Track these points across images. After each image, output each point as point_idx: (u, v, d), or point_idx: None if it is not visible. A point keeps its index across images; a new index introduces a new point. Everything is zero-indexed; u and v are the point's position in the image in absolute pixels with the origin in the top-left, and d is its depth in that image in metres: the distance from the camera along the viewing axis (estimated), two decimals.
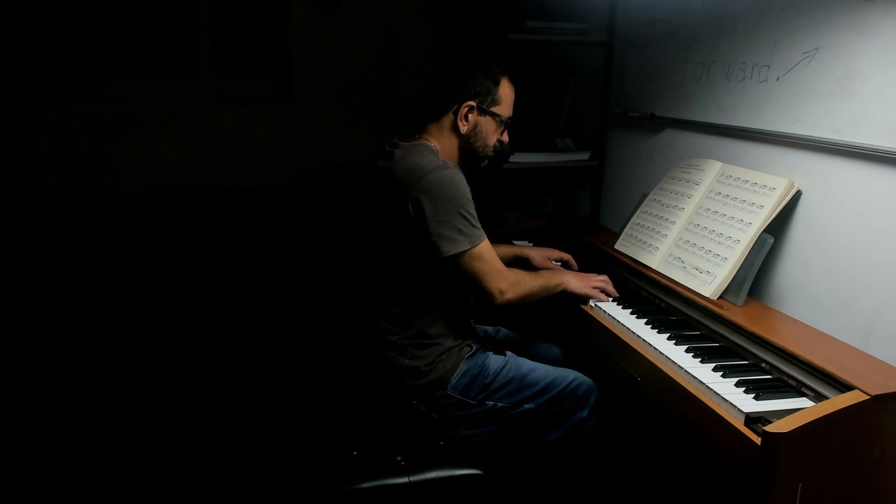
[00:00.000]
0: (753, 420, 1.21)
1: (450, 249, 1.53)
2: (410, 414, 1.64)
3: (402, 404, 1.65)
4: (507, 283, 1.60)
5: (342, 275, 2.62)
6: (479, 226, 1.57)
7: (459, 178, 1.58)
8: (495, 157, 1.78)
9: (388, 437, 1.61)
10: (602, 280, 1.82)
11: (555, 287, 1.72)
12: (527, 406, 1.66)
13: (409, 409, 1.64)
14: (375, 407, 1.69)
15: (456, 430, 1.65)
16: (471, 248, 1.54)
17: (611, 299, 1.79)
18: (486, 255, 1.58)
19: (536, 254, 2.02)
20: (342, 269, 2.63)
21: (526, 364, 1.71)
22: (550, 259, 2.03)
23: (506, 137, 1.77)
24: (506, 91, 1.71)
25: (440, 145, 1.68)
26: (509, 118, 1.74)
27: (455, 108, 1.67)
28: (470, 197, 1.58)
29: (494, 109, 1.69)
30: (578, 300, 1.80)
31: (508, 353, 1.74)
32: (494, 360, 1.68)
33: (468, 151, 1.71)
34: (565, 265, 2.04)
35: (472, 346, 1.70)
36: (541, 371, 1.69)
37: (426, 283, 1.62)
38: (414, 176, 1.55)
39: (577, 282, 1.77)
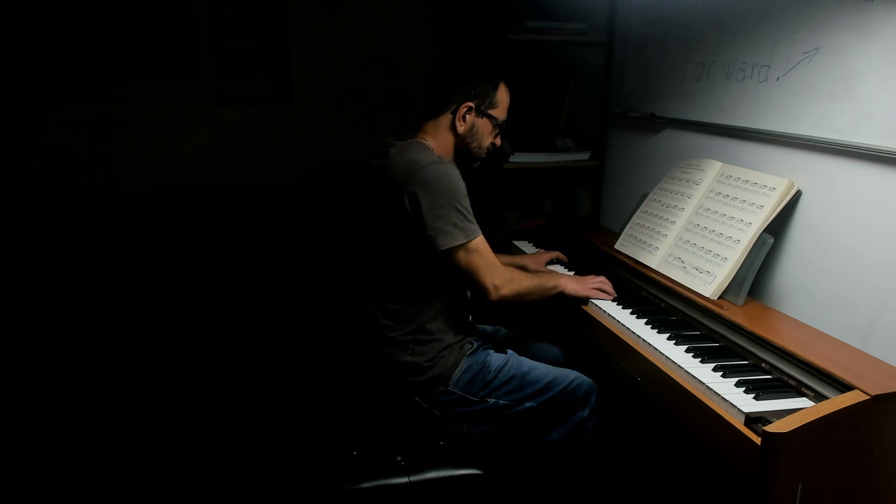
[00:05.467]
0: (753, 420, 1.21)
1: (446, 243, 1.54)
2: (412, 411, 1.65)
3: (403, 401, 1.65)
4: (503, 279, 1.61)
5: (342, 274, 2.62)
6: (474, 221, 1.59)
7: (455, 173, 1.59)
8: (487, 159, 1.81)
9: (388, 436, 1.61)
10: (600, 281, 1.82)
11: (551, 289, 1.73)
12: (528, 404, 1.67)
13: (410, 406, 1.65)
14: (376, 405, 1.69)
15: (458, 427, 1.66)
16: (466, 243, 1.56)
17: (610, 299, 1.80)
18: (482, 249, 1.59)
19: (531, 261, 2.04)
20: (342, 268, 2.63)
21: (527, 363, 1.72)
22: (545, 262, 2.07)
23: (499, 141, 1.81)
24: (503, 95, 1.75)
25: (436, 143, 1.70)
26: (504, 122, 1.78)
27: (454, 108, 1.69)
28: (465, 192, 1.60)
29: (492, 112, 1.73)
30: (577, 300, 1.80)
31: (510, 351, 1.75)
32: (496, 358, 1.69)
33: (463, 151, 1.75)
34: (558, 263, 2.09)
35: (473, 343, 1.71)
36: (542, 370, 1.70)
37: (424, 279, 1.63)
38: (410, 171, 1.57)
39: (573, 284, 1.78)
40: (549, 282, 1.74)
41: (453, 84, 1.70)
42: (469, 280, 1.60)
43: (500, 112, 1.75)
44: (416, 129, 1.73)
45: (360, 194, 1.73)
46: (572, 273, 2.02)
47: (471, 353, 1.68)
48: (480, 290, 1.60)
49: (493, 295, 1.60)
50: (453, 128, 1.71)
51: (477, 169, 1.81)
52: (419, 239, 1.56)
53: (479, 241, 1.59)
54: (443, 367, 1.63)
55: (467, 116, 1.70)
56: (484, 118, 1.72)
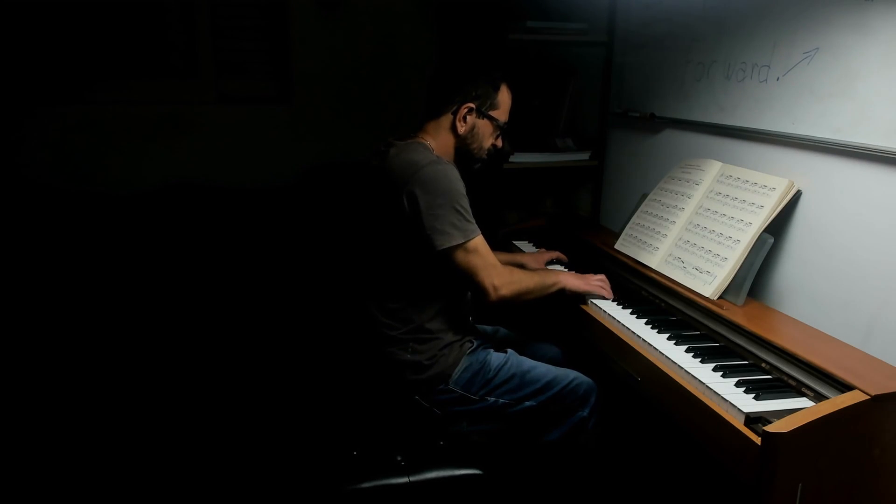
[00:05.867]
0: (753, 420, 1.21)
1: (444, 243, 1.54)
2: (412, 409, 1.65)
3: (403, 400, 1.65)
4: (502, 280, 1.61)
5: (342, 273, 2.62)
6: (473, 220, 1.59)
7: (453, 173, 1.59)
8: (488, 160, 1.81)
9: (388, 436, 1.61)
10: (600, 279, 1.82)
11: (551, 286, 1.73)
12: (528, 403, 1.67)
13: (410, 405, 1.65)
14: (376, 405, 1.69)
15: (457, 426, 1.66)
16: (465, 242, 1.56)
17: (609, 299, 1.80)
18: (481, 249, 1.59)
19: (531, 260, 2.05)
20: (342, 268, 2.63)
21: (527, 362, 1.72)
22: (545, 262, 2.07)
23: (500, 143, 1.81)
24: (504, 97, 1.75)
25: (436, 144, 1.71)
26: (505, 124, 1.78)
27: (455, 108, 1.70)
28: (464, 192, 1.60)
29: (492, 114, 1.73)
30: (577, 299, 1.80)
31: (510, 350, 1.75)
32: (496, 357, 1.70)
33: (463, 152, 1.75)
34: (558, 263, 2.09)
35: (473, 342, 1.71)
36: (542, 369, 1.70)
37: (423, 278, 1.63)
38: (408, 171, 1.57)
39: (575, 280, 1.78)
40: (548, 279, 1.74)
41: (455, 85, 1.70)
42: (468, 281, 1.60)
43: (501, 114, 1.75)
44: (417, 129, 1.74)
45: (359, 194, 1.73)
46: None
47: (471, 352, 1.68)
48: (479, 290, 1.60)
49: (493, 296, 1.60)
50: (454, 128, 1.71)
51: (477, 169, 1.82)
52: (418, 238, 1.56)
53: (478, 241, 1.59)
54: (443, 365, 1.64)
55: (468, 117, 1.70)
56: (485, 119, 1.72)
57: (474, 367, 1.66)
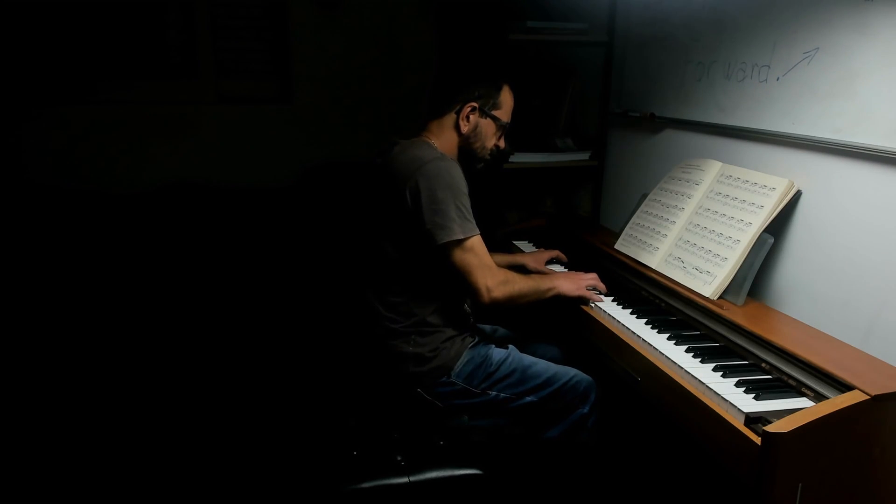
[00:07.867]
0: (753, 420, 1.21)
1: (443, 238, 1.56)
2: (413, 402, 1.66)
3: (405, 393, 1.66)
4: (496, 281, 1.61)
5: (343, 270, 2.62)
6: (472, 220, 1.61)
7: (456, 170, 1.61)
8: (491, 160, 1.82)
9: (388, 435, 1.61)
10: (592, 278, 1.83)
11: (546, 291, 1.73)
12: (528, 398, 1.67)
13: (412, 398, 1.66)
14: (377, 403, 1.70)
15: (459, 418, 1.67)
16: (464, 240, 1.57)
17: (605, 297, 1.80)
18: (478, 249, 1.60)
19: (530, 259, 2.05)
20: (343, 265, 2.63)
21: (528, 358, 1.73)
22: (545, 261, 2.07)
23: (503, 143, 1.82)
24: (506, 97, 1.77)
25: (440, 143, 1.72)
26: (508, 123, 1.79)
27: (458, 108, 1.72)
28: (466, 190, 1.61)
29: (495, 113, 1.75)
30: (576, 301, 1.80)
31: (511, 346, 1.76)
32: (497, 352, 1.71)
33: (467, 151, 1.76)
34: (558, 262, 2.10)
35: (474, 337, 1.73)
36: (542, 365, 1.71)
37: (424, 273, 1.65)
38: (412, 166, 1.59)
39: (569, 285, 1.77)
40: (544, 283, 1.74)
41: (458, 85, 1.72)
42: (462, 279, 1.60)
43: (503, 114, 1.76)
44: (421, 128, 1.76)
45: (363, 190, 1.75)
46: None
47: (472, 346, 1.70)
48: (472, 290, 1.61)
49: (485, 297, 1.60)
50: (457, 127, 1.72)
51: (480, 169, 1.82)
52: (418, 233, 1.57)
53: (476, 241, 1.60)
54: (445, 358, 1.65)
55: (471, 116, 1.72)
56: (487, 119, 1.74)
57: (476, 360, 1.67)
